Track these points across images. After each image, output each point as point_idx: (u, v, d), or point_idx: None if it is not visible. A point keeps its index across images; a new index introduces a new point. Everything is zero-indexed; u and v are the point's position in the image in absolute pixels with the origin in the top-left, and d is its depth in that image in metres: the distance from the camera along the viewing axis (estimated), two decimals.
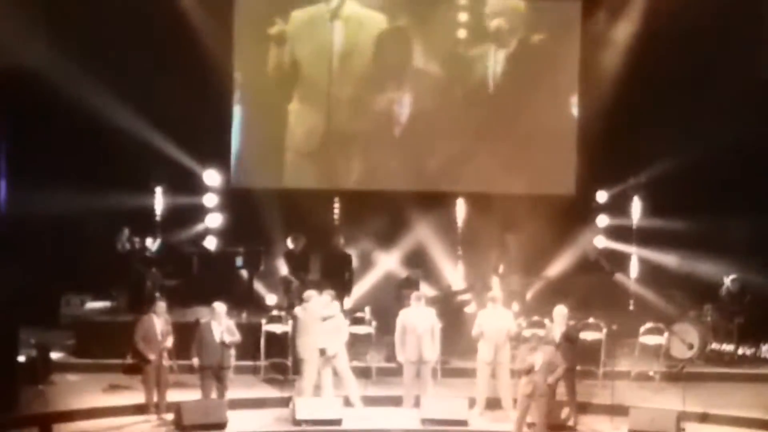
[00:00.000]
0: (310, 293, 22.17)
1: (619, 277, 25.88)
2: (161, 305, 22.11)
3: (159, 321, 21.77)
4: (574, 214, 27.40)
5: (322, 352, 21.41)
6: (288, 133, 28.52)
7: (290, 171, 28.60)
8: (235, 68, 28.21)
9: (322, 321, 21.51)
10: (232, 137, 28.37)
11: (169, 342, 21.74)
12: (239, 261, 26.37)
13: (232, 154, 28.37)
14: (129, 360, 22.71)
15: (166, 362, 21.68)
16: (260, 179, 28.35)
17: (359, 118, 28.51)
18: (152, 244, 26.04)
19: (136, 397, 21.96)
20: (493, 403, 21.78)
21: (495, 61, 28.45)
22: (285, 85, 28.51)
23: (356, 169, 28.50)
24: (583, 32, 28.14)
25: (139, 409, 21.63)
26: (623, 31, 27.54)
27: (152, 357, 21.44)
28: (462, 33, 28.46)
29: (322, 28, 28.29)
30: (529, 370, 20.18)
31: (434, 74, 28.50)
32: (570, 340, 21.86)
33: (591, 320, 23.64)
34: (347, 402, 21.65)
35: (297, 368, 22.00)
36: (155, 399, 21.58)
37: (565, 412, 21.25)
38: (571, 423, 21.09)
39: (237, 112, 28.44)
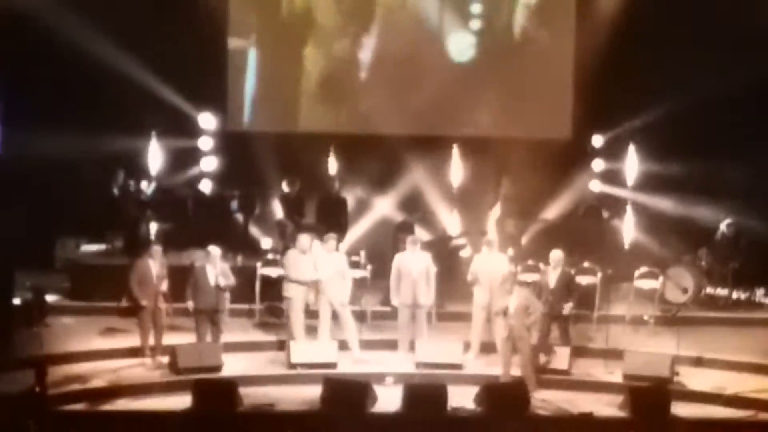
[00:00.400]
0: (305, 239, 22.30)
1: (615, 221, 25.84)
2: (156, 249, 22.25)
3: (154, 264, 21.88)
4: (570, 158, 27.39)
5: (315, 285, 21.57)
6: (284, 77, 28.42)
7: (286, 114, 28.51)
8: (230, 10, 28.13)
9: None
10: (228, 80, 28.25)
11: (164, 285, 21.85)
12: (234, 205, 26.42)
13: (228, 97, 28.27)
14: (124, 303, 22.75)
15: (161, 305, 21.80)
16: (255, 123, 28.30)
17: (355, 63, 28.43)
18: (147, 187, 26.04)
19: (131, 340, 22.13)
20: (488, 347, 21.89)
21: (493, 9, 28.36)
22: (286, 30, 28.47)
23: (353, 114, 28.37)
24: None
25: (134, 352, 21.84)
26: None
27: (145, 302, 21.58)
28: None
29: None
30: (504, 313, 20.40)
31: (434, 21, 28.36)
32: (566, 284, 22.01)
33: (586, 264, 23.71)
34: (344, 346, 21.78)
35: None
36: (151, 342, 21.70)
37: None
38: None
39: (232, 55, 28.29)
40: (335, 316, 21.95)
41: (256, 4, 28.54)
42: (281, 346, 22.12)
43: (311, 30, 28.37)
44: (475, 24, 28.37)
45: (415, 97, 28.02)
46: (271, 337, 22.60)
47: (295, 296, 22.06)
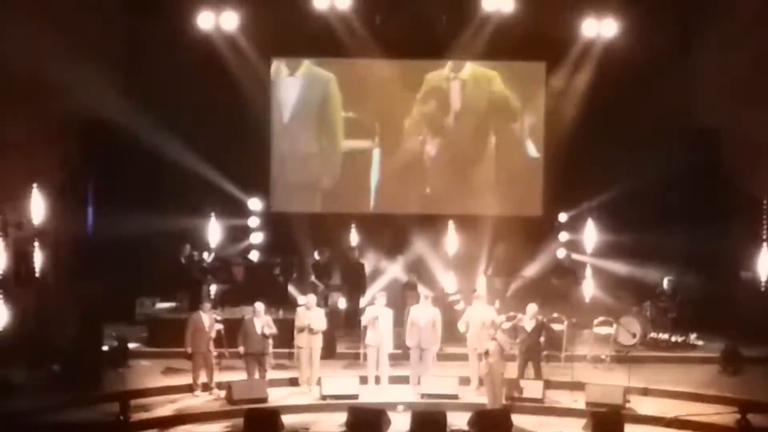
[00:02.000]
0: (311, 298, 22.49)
1: (578, 281, 25.85)
2: (207, 305, 22.33)
3: (205, 318, 21.91)
4: (541, 231, 27.35)
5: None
6: (313, 170, 28.54)
7: (317, 199, 28.56)
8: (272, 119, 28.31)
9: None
10: (271, 172, 28.33)
11: (213, 334, 21.86)
12: (276, 270, 26.43)
13: (271, 186, 28.34)
14: (190, 349, 22.78)
15: (212, 349, 21.83)
16: (293, 205, 28.33)
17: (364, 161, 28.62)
18: (208, 257, 26.11)
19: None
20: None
21: (481, 113, 28.45)
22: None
23: (369, 196, 28.44)
24: (546, 86, 28.12)
25: (202, 387, 21.81)
26: (579, 84, 27.52)
27: (189, 350, 21.68)
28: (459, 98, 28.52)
29: None
30: (486, 354, 20.44)
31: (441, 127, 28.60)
32: (539, 330, 22.03)
33: (555, 315, 23.70)
34: (363, 381, 21.73)
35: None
36: (204, 379, 21.69)
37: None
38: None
39: (275, 151, 28.42)
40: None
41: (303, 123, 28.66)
42: (294, 382, 22.17)
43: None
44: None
45: (418, 186, 28.18)
46: None
47: (302, 344, 22.09)
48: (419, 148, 28.42)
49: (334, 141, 28.55)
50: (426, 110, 28.37)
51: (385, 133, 28.49)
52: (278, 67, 28.32)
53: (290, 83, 28.41)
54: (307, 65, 28.36)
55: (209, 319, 21.94)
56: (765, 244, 24.36)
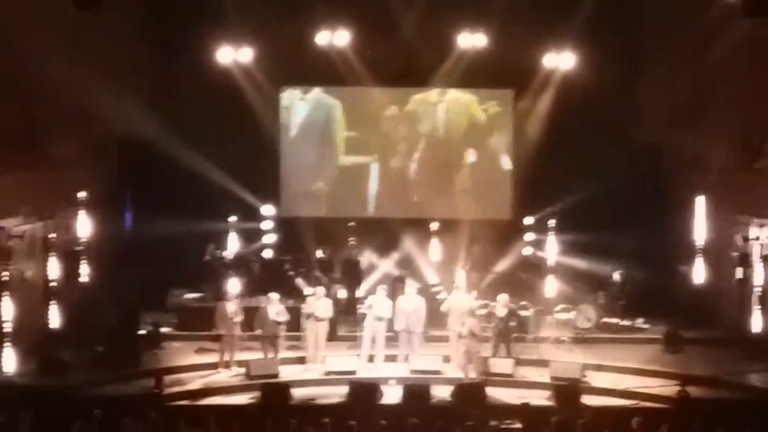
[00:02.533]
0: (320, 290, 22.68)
1: (543, 274, 25.84)
2: (231, 295, 22.37)
3: (230, 305, 21.95)
4: (511, 232, 27.34)
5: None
6: (317, 181, 28.60)
7: (321, 205, 28.58)
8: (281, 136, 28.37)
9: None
10: (281, 182, 28.38)
11: (237, 319, 21.87)
12: (287, 265, 26.42)
13: (281, 195, 28.37)
14: (213, 332, 22.85)
15: (237, 333, 21.85)
16: (300, 211, 28.34)
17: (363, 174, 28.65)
18: (229, 254, 26.13)
19: (218, 357, 22.11)
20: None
21: (460, 132, 28.52)
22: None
23: (364, 203, 28.46)
24: (514, 109, 28.19)
25: (215, 366, 21.83)
26: (542, 107, 27.59)
27: (223, 331, 21.71)
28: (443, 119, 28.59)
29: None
30: (460, 335, 20.54)
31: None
32: (509, 316, 22.09)
33: (523, 303, 23.79)
34: (371, 359, 21.79)
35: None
36: (227, 358, 21.72)
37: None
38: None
39: (284, 164, 28.46)
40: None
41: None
42: (302, 360, 22.21)
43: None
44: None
45: (407, 194, 28.21)
46: None
47: (309, 329, 22.13)
48: (408, 162, 28.42)
49: (335, 156, 28.54)
50: (415, 129, 28.40)
51: (380, 149, 28.48)
52: (291, 92, 28.31)
53: (300, 106, 28.44)
54: (316, 92, 28.37)
55: (235, 308, 21.98)
56: (699, 242, 24.40)
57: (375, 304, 22.02)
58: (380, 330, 21.90)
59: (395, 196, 28.39)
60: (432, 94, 28.24)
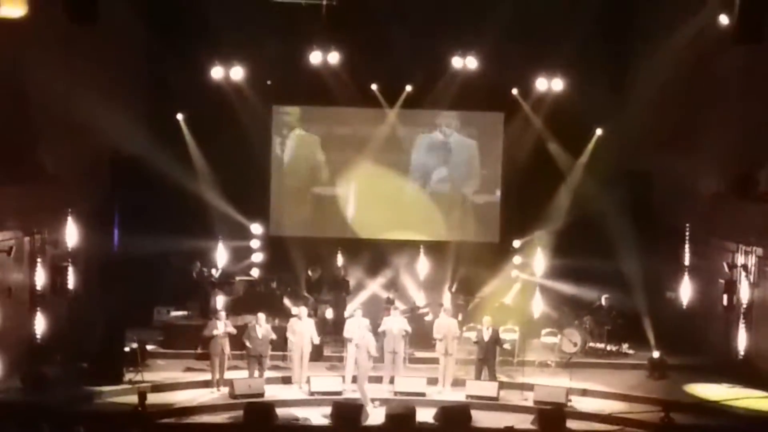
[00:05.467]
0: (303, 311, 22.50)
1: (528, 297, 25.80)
2: (222, 314, 22.25)
3: (221, 324, 21.84)
4: (499, 255, 27.31)
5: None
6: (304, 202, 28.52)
7: (308, 225, 28.46)
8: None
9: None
10: (270, 202, 28.31)
11: (227, 339, 21.79)
12: (274, 284, 26.31)
13: (270, 213, 28.30)
14: (199, 351, 22.75)
15: (226, 352, 21.74)
16: (288, 230, 28.25)
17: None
18: (216, 272, 26.02)
19: (203, 375, 22.04)
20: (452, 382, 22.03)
21: (449, 153, 28.51)
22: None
23: (353, 224, 28.36)
24: (505, 132, 28.16)
25: (205, 384, 21.70)
26: (531, 131, 27.62)
27: (215, 348, 21.55)
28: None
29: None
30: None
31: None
32: (495, 338, 22.03)
33: (509, 325, 23.71)
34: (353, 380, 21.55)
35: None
36: (217, 376, 21.62)
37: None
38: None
39: (273, 184, 28.40)
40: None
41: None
42: (288, 380, 22.03)
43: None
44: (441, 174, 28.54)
45: (395, 217, 28.16)
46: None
47: (294, 349, 22.01)
48: (396, 185, 28.40)
49: (324, 180, 28.50)
50: (403, 152, 28.41)
51: (369, 174, 28.36)
52: (279, 117, 28.29)
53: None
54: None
55: (224, 326, 21.87)
56: (685, 268, 24.40)
57: (352, 330, 21.79)
58: (360, 354, 21.57)
59: (382, 217, 28.24)
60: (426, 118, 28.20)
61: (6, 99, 21.03)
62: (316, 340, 22.16)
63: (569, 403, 20.92)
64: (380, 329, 22.07)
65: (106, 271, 25.02)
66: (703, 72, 23.76)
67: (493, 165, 28.38)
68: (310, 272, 26.27)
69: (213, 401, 20.95)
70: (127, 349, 22.39)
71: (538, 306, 25.18)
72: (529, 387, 21.64)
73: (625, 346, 24.65)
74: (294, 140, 28.46)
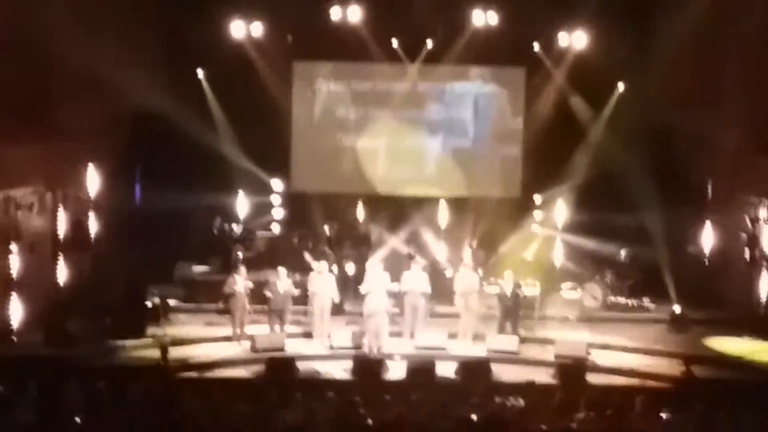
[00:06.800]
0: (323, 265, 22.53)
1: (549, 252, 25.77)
2: (242, 269, 22.27)
3: (241, 279, 21.88)
4: (520, 210, 27.28)
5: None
6: (327, 158, 28.44)
7: (331, 180, 28.38)
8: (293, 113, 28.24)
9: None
10: (291, 157, 28.27)
11: (246, 292, 21.82)
12: (294, 240, 26.34)
13: (291, 169, 28.28)
14: (221, 305, 22.81)
15: (246, 306, 21.79)
16: (310, 186, 28.21)
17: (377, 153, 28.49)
18: (236, 228, 26.07)
19: (224, 330, 22.10)
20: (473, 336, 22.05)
21: (470, 109, 28.38)
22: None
23: (374, 180, 28.28)
24: (526, 87, 28.01)
25: (226, 338, 21.79)
26: (553, 87, 27.45)
27: (236, 302, 21.59)
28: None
29: None
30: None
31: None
32: (515, 293, 22.02)
33: (529, 280, 23.67)
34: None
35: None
36: (238, 331, 21.70)
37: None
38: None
39: (294, 140, 28.33)
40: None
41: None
42: (309, 335, 22.06)
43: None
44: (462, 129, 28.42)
45: (416, 172, 28.08)
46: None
47: (315, 304, 22.03)
48: (417, 141, 28.28)
49: (346, 135, 28.39)
50: (424, 108, 28.29)
51: (390, 130, 28.27)
52: (300, 73, 28.17)
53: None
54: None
55: (244, 281, 21.92)
56: (707, 222, 24.31)
57: (375, 284, 21.78)
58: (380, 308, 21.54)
59: (403, 173, 28.16)
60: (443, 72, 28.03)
61: (25, 57, 20.97)
62: (336, 299, 22.13)
63: (589, 358, 20.89)
64: (400, 287, 22.02)
65: (128, 226, 25.06)
66: (727, 27, 23.51)
67: (514, 120, 28.22)
68: (328, 228, 26.26)
69: (234, 356, 20.98)
70: (148, 303, 22.51)
71: (559, 261, 25.11)
72: (550, 341, 21.62)
73: (646, 301, 24.64)
74: (315, 96, 28.35)
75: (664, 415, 15.28)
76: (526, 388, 17.81)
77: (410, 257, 23.91)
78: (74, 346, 20.51)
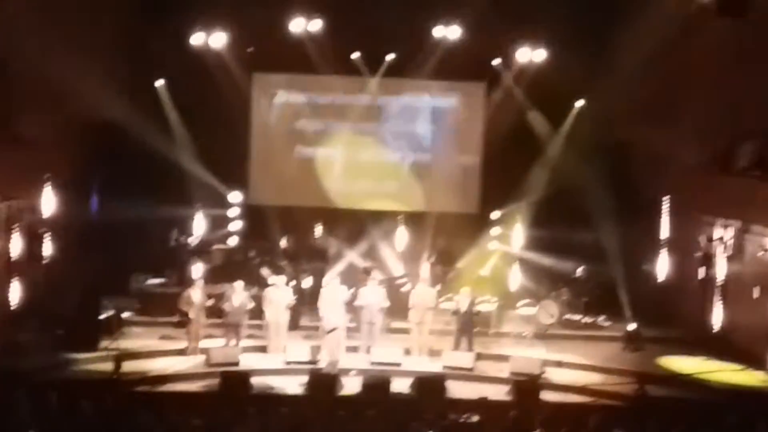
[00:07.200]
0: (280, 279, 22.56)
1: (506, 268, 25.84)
2: (199, 282, 22.21)
3: (197, 293, 21.80)
4: (478, 226, 27.33)
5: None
6: (284, 170, 28.39)
7: (288, 194, 28.33)
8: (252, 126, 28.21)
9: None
10: (250, 170, 28.22)
11: (204, 308, 21.76)
12: (252, 253, 26.27)
13: (249, 182, 28.23)
14: (176, 319, 22.69)
15: (202, 320, 21.72)
16: (267, 199, 28.16)
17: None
18: (193, 240, 25.98)
19: (178, 343, 21.96)
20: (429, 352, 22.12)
21: (430, 123, 28.46)
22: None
23: (332, 193, 28.24)
24: (486, 102, 28.10)
25: (180, 352, 21.65)
26: (512, 102, 27.54)
27: (192, 316, 21.48)
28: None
29: None
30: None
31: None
32: (472, 310, 22.05)
33: (486, 297, 23.72)
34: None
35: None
36: (193, 344, 21.60)
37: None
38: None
39: (253, 152, 28.28)
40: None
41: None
42: (264, 349, 22.02)
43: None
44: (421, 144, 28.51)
45: (374, 186, 28.10)
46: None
47: (270, 318, 21.98)
48: (375, 154, 28.32)
49: (304, 148, 28.39)
50: (382, 120, 28.34)
51: (349, 143, 28.27)
52: (260, 85, 28.14)
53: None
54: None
55: (201, 295, 21.83)
56: (663, 241, 24.48)
57: (332, 298, 21.78)
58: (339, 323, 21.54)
59: (362, 187, 28.18)
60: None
61: None
62: (287, 316, 22.12)
63: (544, 375, 20.95)
64: (357, 301, 22.03)
65: (84, 238, 24.82)
66: (686, 45, 23.69)
67: (473, 136, 28.32)
68: (285, 241, 26.23)
69: (188, 369, 20.87)
70: (103, 316, 22.34)
71: (516, 277, 25.20)
72: (505, 358, 21.66)
73: (601, 318, 24.75)
74: (274, 108, 28.35)
75: None
76: (481, 405, 17.83)
77: (367, 272, 23.89)
78: (26, 358, 20.31)
